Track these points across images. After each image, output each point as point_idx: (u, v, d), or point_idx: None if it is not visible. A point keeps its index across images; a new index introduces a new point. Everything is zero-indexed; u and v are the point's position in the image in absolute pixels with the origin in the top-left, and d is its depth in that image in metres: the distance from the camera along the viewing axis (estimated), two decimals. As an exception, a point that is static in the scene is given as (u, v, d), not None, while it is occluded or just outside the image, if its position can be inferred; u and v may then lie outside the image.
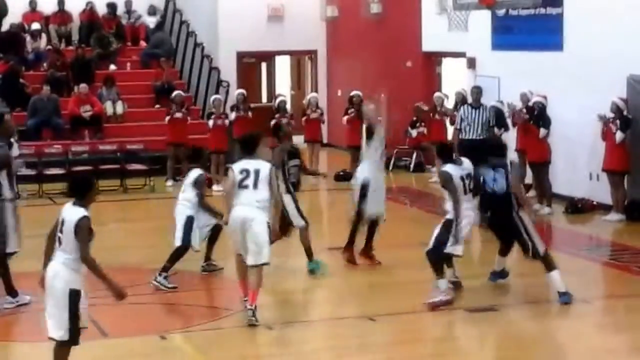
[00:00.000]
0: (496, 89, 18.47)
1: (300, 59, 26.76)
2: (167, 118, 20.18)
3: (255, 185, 10.34)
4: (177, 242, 11.93)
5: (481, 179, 11.01)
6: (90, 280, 8.02)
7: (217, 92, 22.20)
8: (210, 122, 20.10)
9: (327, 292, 12.06)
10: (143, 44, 25.54)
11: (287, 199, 12.20)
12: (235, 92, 21.35)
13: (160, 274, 11.74)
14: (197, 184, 12.09)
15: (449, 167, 10.96)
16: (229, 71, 24.08)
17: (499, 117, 17.35)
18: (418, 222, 16.14)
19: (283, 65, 27.32)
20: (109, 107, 22.14)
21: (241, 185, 10.38)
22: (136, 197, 18.82)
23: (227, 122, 20.11)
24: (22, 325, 10.78)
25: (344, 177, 19.62)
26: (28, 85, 22.25)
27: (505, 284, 11.68)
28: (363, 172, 12.69)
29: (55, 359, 8.01)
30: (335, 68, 25.44)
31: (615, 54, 15.89)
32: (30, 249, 13.65)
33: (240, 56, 25.05)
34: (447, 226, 10.79)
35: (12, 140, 16.41)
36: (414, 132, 21.17)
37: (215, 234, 12.27)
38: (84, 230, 7.84)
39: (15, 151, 16.32)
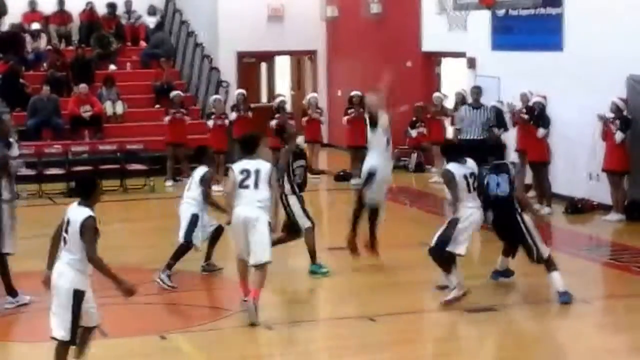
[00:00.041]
0: (496, 89, 18.47)
1: (300, 59, 26.76)
2: (166, 118, 20.18)
3: (256, 185, 10.39)
4: (180, 239, 11.95)
5: (484, 182, 11.01)
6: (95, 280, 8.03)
7: (217, 92, 22.21)
8: (210, 122, 20.11)
9: (327, 292, 12.06)
10: (143, 44, 25.55)
11: (293, 200, 12.20)
12: (235, 92, 21.36)
13: (164, 271, 11.78)
14: (203, 181, 12.14)
15: (451, 166, 10.98)
16: (229, 71, 24.08)
17: (498, 117, 17.35)
18: (418, 222, 16.16)
19: (283, 65, 27.32)
20: (108, 107, 22.14)
21: (242, 186, 10.42)
22: (136, 197, 18.82)
23: (227, 122, 20.11)
24: (22, 325, 10.79)
25: (344, 177, 19.63)
26: (28, 85, 22.25)
27: (505, 283, 11.69)
28: (370, 161, 12.60)
29: (56, 359, 8.01)
30: (335, 68, 25.44)
31: (615, 54, 15.89)
32: (30, 249, 13.66)
33: (240, 56, 25.05)
34: (452, 225, 10.80)
35: (11, 140, 16.44)
36: (413, 132, 21.17)
37: (217, 234, 12.29)
38: (89, 231, 7.83)
39: (15, 151, 16.33)
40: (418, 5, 21.73)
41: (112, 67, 24.12)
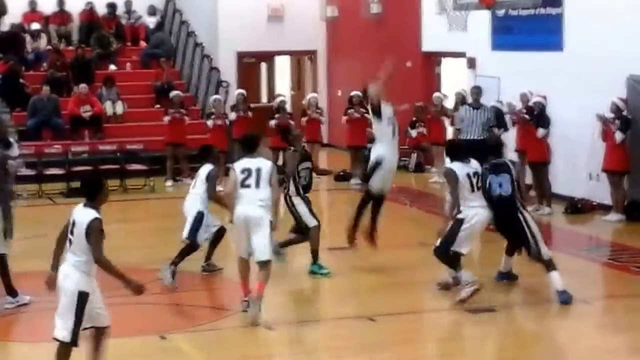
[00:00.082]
0: (496, 89, 18.47)
1: (300, 59, 26.76)
2: (166, 118, 20.18)
3: (257, 185, 10.44)
4: (184, 237, 12.03)
5: (487, 183, 11.02)
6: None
7: (217, 92, 22.21)
8: (210, 122, 20.12)
9: (327, 292, 12.07)
10: (143, 44, 25.54)
11: (297, 201, 12.22)
12: (235, 92, 21.36)
13: (170, 266, 11.85)
14: (209, 178, 12.16)
15: (455, 165, 10.98)
16: (229, 71, 24.09)
17: (498, 117, 17.34)
18: (418, 222, 16.17)
19: (283, 65, 27.32)
20: (108, 107, 22.14)
21: (243, 185, 10.47)
22: (136, 197, 18.81)
23: (227, 122, 20.12)
24: (22, 325, 10.79)
25: (344, 177, 19.64)
26: (28, 85, 22.26)
27: (505, 284, 11.67)
28: (377, 150, 12.46)
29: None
30: (335, 68, 25.44)
31: (615, 54, 15.89)
32: (30, 249, 13.70)
33: (240, 56, 25.05)
34: (457, 225, 10.82)
35: (11, 140, 16.45)
36: (413, 132, 21.17)
37: (219, 235, 12.31)
38: (95, 233, 7.80)
39: (15, 151, 16.36)
40: (418, 5, 21.74)
41: (112, 67, 24.12)
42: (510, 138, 16.79)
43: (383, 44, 22.79)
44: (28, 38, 24.18)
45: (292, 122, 19.81)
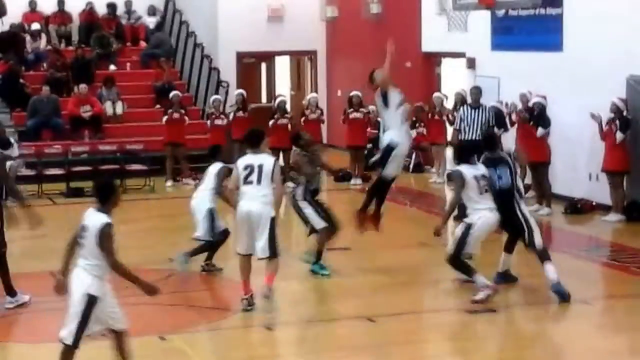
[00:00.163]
0: (496, 90, 18.47)
1: (300, 59, 26.74)
2: (165, 118, 20.18)
3: (259, 181, 10.53)
4: (200, 236, 12.22)
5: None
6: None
7: (217, 92, 22.21)
8: (209, 122, 20.12)
9: (327, 292, 12.06)
10: (143, 44, 25.53)
11: (304, 205, 12.21)
12: (235, 92, 21.36)
13: (185, 254, 12.16)
14: (218, 175, 12.21)
15: (462, 167, 11.00)
16: (228, 71, 24.08)
17: (498, 118, 17.33)
18: (418, 222, 16.16)
19: (283, 65, 27.31)
20: (108, 108, 22.13)
21: (246, 181, 10.57)
22: (136, 197, 18.81)
23: (226, 122, 20.13)
24: (22, 325, 10.78)
25: (344, 177, 19.64)
26: (28, 85, 22.25)
27: (505, 284, 11.65)
28: (389, 136, 12.21)
29: None
30: (335, 68, 25.44)
31: (614, 55, 15.90)
32: (30, 249, 13.71)
33: (240, 56, 25.05)
34: (465, 232, 10.84)
35: (12, 140, 16.46)
36: (413, 133, 21.15)
37: (223, 237, 12.34)
38: (107, 238, 7.76)
39: (15, 152, 16.37)
40: (418, 5, 21.74)
41: (112, 67, 24.11)
42: (510, 138, 16.78)
43: (383, 44, 22.73)
44: (28, 38, 24.16)
45: (284, 122, 19.89)
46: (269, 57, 26.64)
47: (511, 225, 11.23)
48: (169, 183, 19.99)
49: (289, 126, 20.12)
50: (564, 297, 10.89)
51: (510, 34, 18.68)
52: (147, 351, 9.56)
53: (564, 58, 17.21)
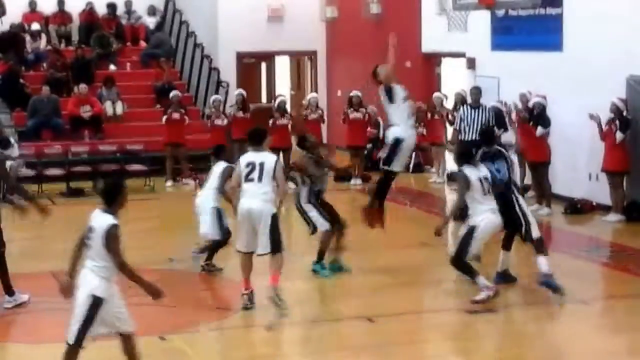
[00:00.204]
0: (496, 90, 18.47)
1: (300, 59, 26.75)
2: (164, 118, 20.18)
3: (260, 178, 10.59)
4: (210, 234, 12.26)
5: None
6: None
7: (217, 92, 22.22)
8: (209, 123, 20.13)
9: (328, 292, 12.06)
10: (143, 44, 25.54)
11: (307, 207, 12.21)
12: (235, 92, 21.36)
13: (198, 251, 12.45)
14: (222, 174, 12.28)
15: (466, 169, 11.02)
16: (228, 71, 24.08)
17: (498, 118, 17.34)
18: (418, 222, 16.16)
19: (283, 65, 27.32)
20: (108, 108, 22.13)
21: (247, 179, 10.64)
22: (136, 197, 18.79)
23: (226, 122, 20.13)
24: (21, 326, 10.77)
25: (344, 177, 19.64)
26: (28, 85, 22.26)
27: (505, 284, 11.65)
28: (395, 131, 12.17)
29: None
30: (335, 68, 25.44)
31: (614, 55, 15.90)
32: (29, 249, 13.71)
33: (240, 56, 25.05)
34: (469, 234, 10.86)
35: (12, 140, 16.47)
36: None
37: (225, 239, 12.36)
38: (114, 239, 7.74)
39: (15, 152, 16.37)
40: (418, 5, 21.74)
41: (112, 67, 24.12)
42: (510, 138, 16.78)
43: (383, 44, 22.76)
44: (28, 38, 24.17)
45: (283, 122, 19.91)
46: (269, 57, 26.64)
47: (509, 219, 11.24)
48: (169, 183, 19.99)
49: (289, 126, 20.12)
50: (555, 290, 10.96)
51: (510, 34, 18.68)
52: (147, 351, 9.53)
53: (564, 58, 17.21)
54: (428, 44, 21.65)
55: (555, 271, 11.24)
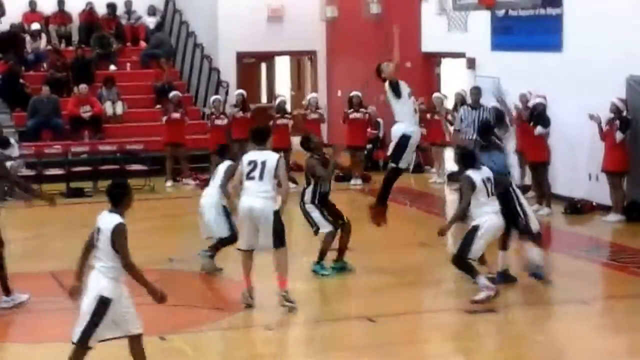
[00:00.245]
0: (495, 90, 18.45)
1: (300, 59, 26.76)
2: (164, 118, 20.18)
3: (261, 177, 10.63)
4: (224, 234, 12.30)
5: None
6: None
7: (217, 93, 22.21)
8: (210, 123, 20.12)
9: (328, 292, 12.07)
10: (143, 44, 25.53)
11: (311, 208, 12.23)
12: (235, 93, 21.36)
13: (207, 251, 12.34)
14: (226, 172, 12.29)
15: (470, 172, 11.03)
16: (228, 71, 24.07)
17: (498, 118, 17.32)
18: (418, 222, 16.16)
19: (283, 65, 27.32)
20: (108, 108, 22.13)
21: (248, 177, 10.68)
22: (136, 197, 18.73)
23: (226, 122, 20.13)
24: (19, 325, 10.76)
25: (344, 177, 19.64)
26: (28, 85, 22.26)
27: (504, 285, 11.65)
28: (401, 127, 12.09)
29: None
30: (335, 68, 25.43)
31: (614, 55, 15.90)
32: (29, 249, 13.70)
33: (240, 56, 25.04)
34: (472, 233, 10.87)
35: (12, 140, 16.48)
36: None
37: (232, 237, 12.36)
38: (121, 237, 7.77)
39: (15, 152, 16.38)
40: (418, 5, 21.74)
41: (112, 67, 24.11)
42: (510, 139, 16.78)
43: (383, 44, 22.77)
44: (28, 38, 24.16)
45: (284, 122, 19.91)
46: (269, 57, 26.64)
47: (507, 213, 11.24)
48: (169, 183, 19.98)
49: (289, 126, 20.12)
50: (542, 280, 11.12)
51: (510, 34, 18.68)
52: (147, 351, 9.54)
53: (564, 58, 17.21)
54: (428, 44, 21.65)
55: (555, 271, 11.25)
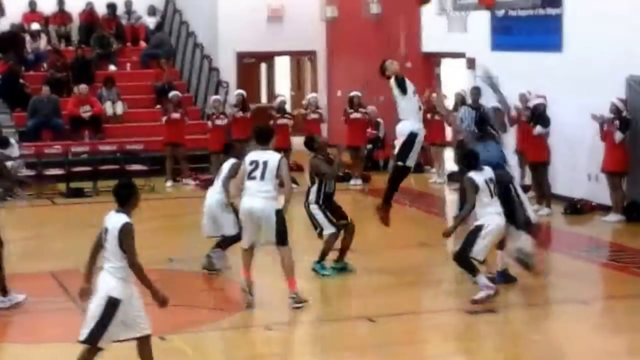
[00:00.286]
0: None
1: (300, 59, 26.76)
2: (164, 118, 20.18)
3: (262, 177, 10.65)
4: (231, 232, 12.24)
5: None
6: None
7: (217, 93, 22.21)
8: (210, 123, 20.14)
9: (328, 293, 12.07)
10: (143, 44, 25.54)
11: (315, 209, 12.22)
12: (235, 93, 21.36)
13: (214, 251, 12.29)
14: (229, 170, 12.31)
15: (473, 174, 11.04)
16: (228, 71, 24.08)
17: (498, 118, 17.31)
18: (418, 222, 16.17)
19: (283, 65, 27.32)
20: (108, 108, 22.13)
21: (250, 176, 10.69)
22: (137, 197, 18.81)
23: (226, 122, 20.14)
24: (16, 326, 10.75)
25: (344, 177, 19.64)
26: (28, 85, 22.26)
27: (504, 285, 11.65)
28: (407, 125, 12.08)
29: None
30: (335, 68, 25.43)
31: (614, 55, 15.89)
32: (29, 250, 13.70)
33: (240, 56, 25.05)
34: (475, 232, 10.87)
35: (12, 140, 16.48)
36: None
37: (232, 241, 12.37)
38: (127, 236, 7.79)
39: (15, 152, 16.38)
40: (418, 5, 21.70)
41: (112, 67, 24.11)
42: (510, 139, 16.77)
43: (383, 44, 22.78)
44: (28, 38, 24.17)
45: (283, 121, 19.92)
46: (269, 57, 26.64)
47: (507, 211, 11.25)
48: (169, 183, 19.99)
49: (290, 126, 20.12)
50: (527, 267, 11.27)
51: (510, 34, 18.67)
52: (147, 351, 9.57)
53: (564, 58, 17.21)
54: (428, 44, 21.64)
55: (555, 271, 11.25)
